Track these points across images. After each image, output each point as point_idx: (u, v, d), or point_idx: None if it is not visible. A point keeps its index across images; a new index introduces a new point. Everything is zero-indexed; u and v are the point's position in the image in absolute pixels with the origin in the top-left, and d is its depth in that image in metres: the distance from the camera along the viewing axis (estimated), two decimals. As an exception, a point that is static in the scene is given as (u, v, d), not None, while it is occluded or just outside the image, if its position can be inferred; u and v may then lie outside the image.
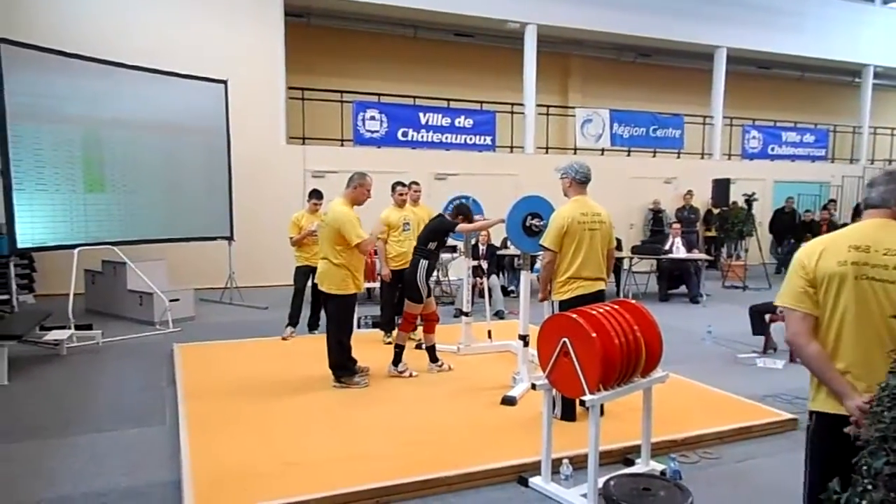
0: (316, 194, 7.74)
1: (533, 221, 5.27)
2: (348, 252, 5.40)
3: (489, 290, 8.31)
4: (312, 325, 7.55)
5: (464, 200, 7.40)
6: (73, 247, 7.88)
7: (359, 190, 5.55)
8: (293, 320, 7.43)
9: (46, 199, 7.75)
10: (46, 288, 9.88)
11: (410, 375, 5.88)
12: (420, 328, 7.37)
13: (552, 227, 4.63)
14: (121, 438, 4.51)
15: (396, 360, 5.92)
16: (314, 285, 5.83)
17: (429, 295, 5.92)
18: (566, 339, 3.48)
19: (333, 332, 5.53)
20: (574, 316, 3.53)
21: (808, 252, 2.45)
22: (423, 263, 5.82)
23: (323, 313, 6.27)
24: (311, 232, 7.20)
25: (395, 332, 7.23)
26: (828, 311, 2.38)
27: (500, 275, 10.73)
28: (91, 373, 6.19)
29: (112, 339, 7.42)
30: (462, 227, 5.87)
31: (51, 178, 7.78)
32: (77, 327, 7.38)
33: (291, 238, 7.55)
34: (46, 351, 6.88)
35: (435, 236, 5.93)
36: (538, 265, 5.01)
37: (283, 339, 7.31)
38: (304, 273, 7.45)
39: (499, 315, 8.86)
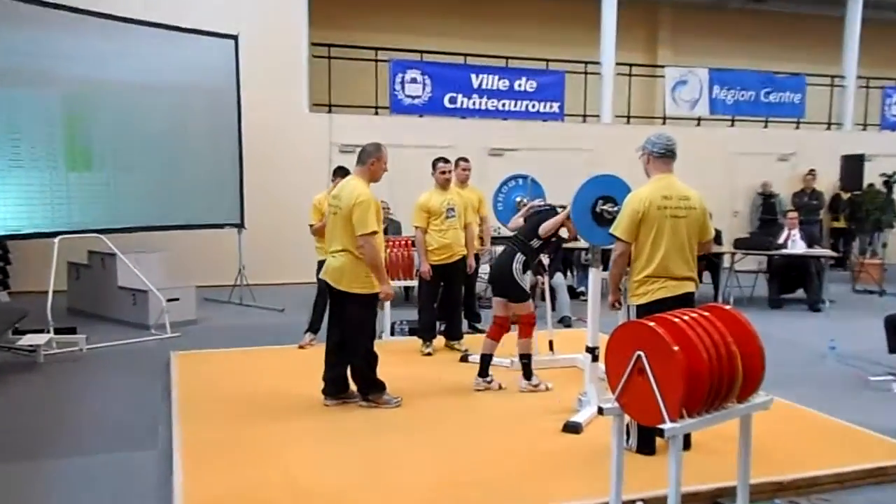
0: (342, 172, 7.74)
1: (604, 207, 5.19)
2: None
3: (552, 291, 8.24)
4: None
5: (521, 181, 7.37)
6: (54, 235, 8.11)
7: (376, 165, 5.55)
8: (314, 326, 7.49)
9: (22, 179, 8.00)
10: (22, 284, 10.21)
11: (547, 389, 6.00)
12: (464, 336, 7.42)
13: (625, 212, 4.58)
14: (105, 463, 4.61)
15: (526, 372, 6.03)
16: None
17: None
18: (641, 353, 3.42)
19: (356, 340, 5.54)
20: (651, 324, 3.46)
21: None
22: (520, 257, 5.89)
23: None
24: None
25: (458, 341, 7.38)
26: None
27: (568, 273, 10.64)
28: (72, 385, 6.36)
29: (98, 345, 7.61)
30: (544, 227, 5.89)
31: (27, 154, 8.03)
32: (57, 331, 7.58)
33: (312, 225, 7.61)
34: (21, 358, 7.09)
35: None
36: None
37: (301, 347, 7.40)
38: (328, 269, 7.50)
39: (564, 322, 8.80)
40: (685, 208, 4.58)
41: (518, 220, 6.40)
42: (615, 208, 5.07)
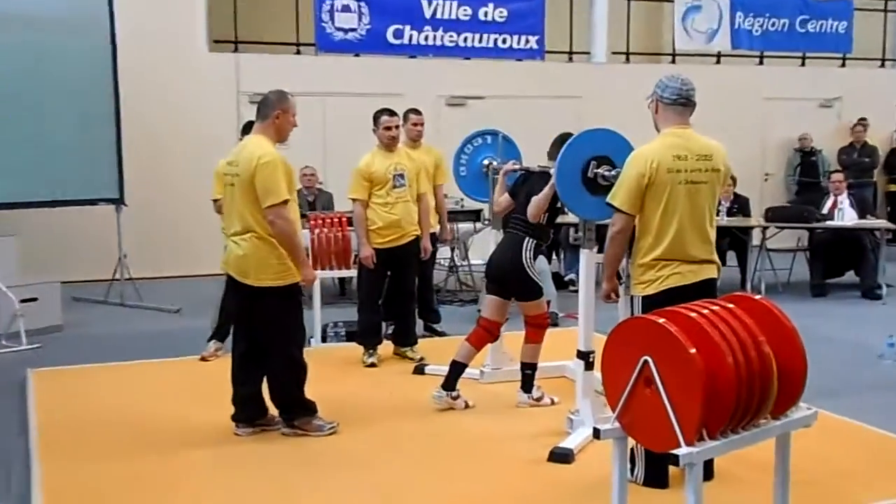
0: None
1: (599, 170, 5.20)
2: None
3: (533, 280, 8.28)
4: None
5: (489, 139, 7.35)
6: None
7: (282, 118, 5.47)
8: (221, 331, 7.46)
9: None
10: None
11: (552, 402, 6.12)
12: (419, 341, 7.46)
13: (626, 177, 4.57)
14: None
15: (527, 384, 6.16)
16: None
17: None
18: (648, 358, 3.44)
19: (276, 348, 5.50)
20: (661, 320, 3.48)
21: None
22: (530, 243, 5.95)
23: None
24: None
25: (412, 348, 7.41)
26: None
27: (553, 256, 10.66)
28: None
29: (-70, 362, 7.54)
30: (531, 211, 5.88)
31: None
32: None
33: (216, 200, 7.54)
34: None
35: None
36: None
37: (204, 359, 7.38)
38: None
39: (549, 319, 8.82)
40: (706, 170, 4.57)
41: (503, 199, 6.38)
42: (613, 172, 5.08)
